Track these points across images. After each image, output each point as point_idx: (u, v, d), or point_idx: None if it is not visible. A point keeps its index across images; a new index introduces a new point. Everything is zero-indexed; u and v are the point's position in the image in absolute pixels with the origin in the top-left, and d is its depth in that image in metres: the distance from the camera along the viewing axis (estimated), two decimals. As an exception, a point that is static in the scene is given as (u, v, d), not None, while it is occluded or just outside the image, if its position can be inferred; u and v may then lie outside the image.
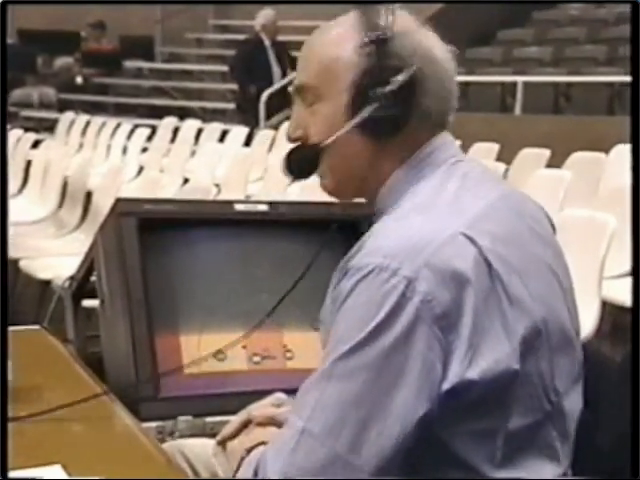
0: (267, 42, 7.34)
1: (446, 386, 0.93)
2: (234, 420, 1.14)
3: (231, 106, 9.03)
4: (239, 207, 1.50)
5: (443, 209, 1.01)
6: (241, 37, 10.04)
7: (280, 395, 1.19)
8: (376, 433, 0.92)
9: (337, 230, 1.53)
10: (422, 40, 1.05)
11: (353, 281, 0.96)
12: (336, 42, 1.07)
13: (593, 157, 4.48)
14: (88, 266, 1.56)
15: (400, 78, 1.02)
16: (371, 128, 1.03)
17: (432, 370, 0.92)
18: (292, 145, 1.11)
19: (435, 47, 1.06)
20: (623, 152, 4.55)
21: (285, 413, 1.10)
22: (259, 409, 1.14)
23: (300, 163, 1.09)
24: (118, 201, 1.45)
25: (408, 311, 0.93)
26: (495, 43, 8.00)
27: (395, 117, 1.02)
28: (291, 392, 1.38)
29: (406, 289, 0.93)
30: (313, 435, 0.94)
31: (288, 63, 7.49)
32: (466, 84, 6.26)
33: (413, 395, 0.92)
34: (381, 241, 0.98)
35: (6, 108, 4.67)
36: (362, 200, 1.59)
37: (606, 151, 4.49)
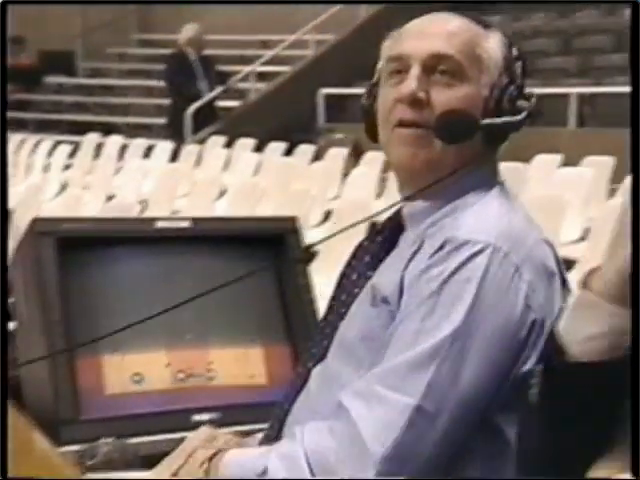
0: (193, 56, 7.31)
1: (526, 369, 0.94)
2: (171, 465, 1.12)
3: (156, 121, 8.95)
4: (160, 224, 1.50)
5: (525, 215, 1.08)
6: (164, 51, 9.98)
7: (206, 429, 1.18)
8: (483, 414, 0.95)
9: (260, 245, 1.54)
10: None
11: (466, 255, 0.98)
12: (489, 39, 1.11)
13: (515, 167, 4.61)
14: (5, 288, 1.52)
15: (528, 102, 1.09)
16: (492, 134, 1.08)
17: (526, 355, 0.94)
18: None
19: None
20: (545, 162, 4.70)
21: (227, 446, 1.09)
22: (197, 450, 1.12)
23: (458, 129, 1.07)
24: (35, 220, 1.43)
25: (519, 296, 0.97)
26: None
27: (508, 132, 1.09)
28: (215, 409, 1.38)
29: (515, 274, 0.98)
30: (428, 414, 0.94)
31: (214, 77, 7.47)
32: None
33: (507, 377, 0.94)
34: (485, 222, 1.02)
35: (6, 109, 4.53)
36: (285, 215, 1.61)
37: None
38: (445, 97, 1.07)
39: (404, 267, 1.04)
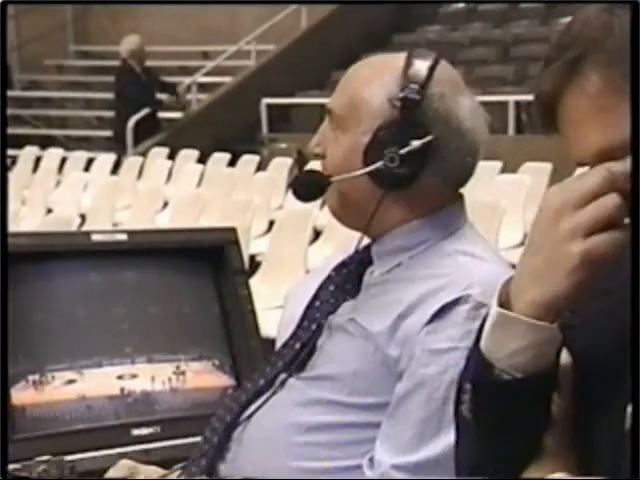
0: (137, 68, 7.26)
1: None
2: None
3: (97, 133, 8.84)
4: (96, 237, 1.48)
5: (507, 265, 1.10)
6: (103, 63, 9.88)
7: (127, 462, 1.19)
8: None
9: (199, 257, 1.54)
10: (453, 109, 1.09)
11: (465, 312, 1.01)
12: (372, 83, 1.11)
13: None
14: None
15: (416, 144, 1.07)
16: (380, 179, 1.08)
17: None
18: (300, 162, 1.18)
19: (466, 119, 1.09)
20: (486, 168, 4.79)
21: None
22: None
23: (309, 188, 1.14)
24: (-33, 236, 1.40)
25: None
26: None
27: (405, 175, 1.08)
28: (155, 423, 1.37)
29: None
30: None
31: (157, 88, 7.43)
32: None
33: None
34: (492, 285, 0.97)
35: (6, 110, 4.41)
36: (225, 226, 1.61)
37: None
38: (331, 149, 1.13)
39: (397, 315, 1.05)
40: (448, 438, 0.96)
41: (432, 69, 1.10)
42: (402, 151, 1.07)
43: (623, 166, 0.73)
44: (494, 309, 0.78)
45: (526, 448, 0.80)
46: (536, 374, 0.77)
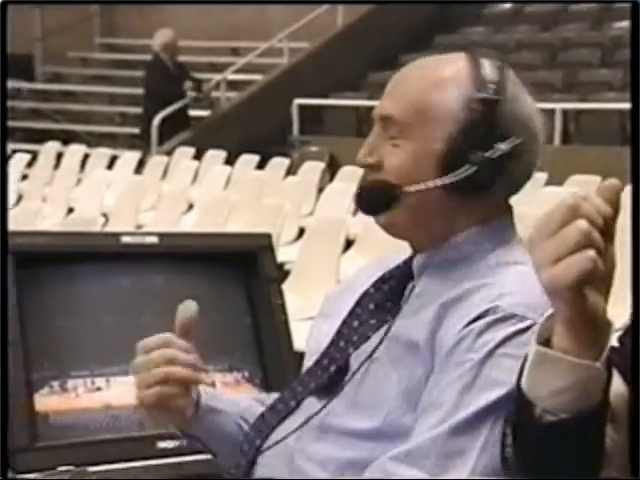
0: (169, 63, 7.33)
1: None
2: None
3: (121, 130, 8.92)
4: (126, 239, 1.49)
5: None
6: (129, 57, 9.98)
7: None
8: None
9: (232, 263, 1.55)
10: (526, 109, 1.08)
11: (512, 329, 1.00)
12: (442, 85, 1.08)
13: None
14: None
15: (503, 147, 1.05)
16: (459, 188, 1.06)
17: None
18: (363, 172, 1.13)
19: (534, 117, 1.09)
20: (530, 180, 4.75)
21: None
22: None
23: (376, 201, 1.10)
24: (-9, 234, 1.42)
25: None
26: (398, 67, 8.24)
27: (485, 181, 1.06)
28: (181, 436, 1.37)
29: None
30: None
31: (189, 85, 7.49)
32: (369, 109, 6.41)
33: None
34: (529, 295, 1.01)
35: (6, 109, 4.50)
36: (259, 232, 1.61)
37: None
38: (393, 158, 1.09)
39: (432, 327, 1.05)
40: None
41: (503, 69, 1.09)
42: (488, 154, 1.05)
43: (586, 193, 0.78)
44: (533, 347, 0.78)
45: None
46: (582, 413, 0.76)
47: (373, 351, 1.10)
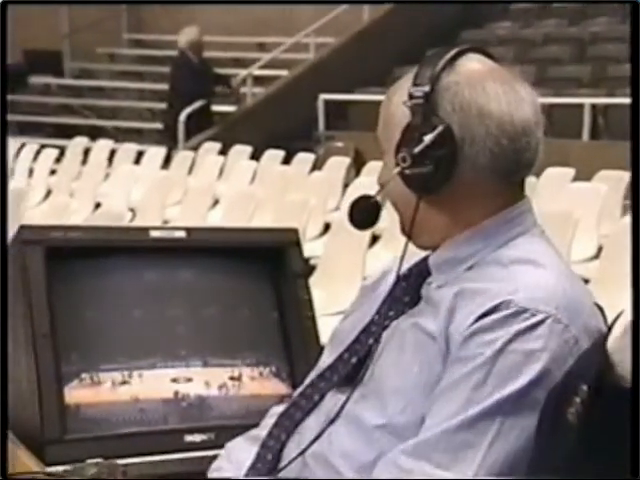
0: (195, 60, 7.37)
1: None
2: None
3: (147, 125, 8.97)
4: (154, 234, 1.50)
5: (574, 276, 1.09)
6: (157, 53, 10.03)
7: None
8: None
9: (259, 258, 1.55)
10: (471, 94, 1.08)
11: (525, 324, 1.00)
12: (392, 94, 1.13)
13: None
14: (5, 289, 1.53)
15: (429, 138, 1.07)
16: (413, 185, 1.09)
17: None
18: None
19: (492, 101, 1.07)
20: (557, 175, 4.72)
21: None
22: None
23: (361, 214, 1.15)
24: (22, 228, 1.43)
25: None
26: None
27: (432, 175, 1.07)
28: (209, 430, 1.38)
29: (574, 347, 0.99)
30: None
31: (212, 80, 7.52)
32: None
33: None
34: (543, 289, 1.03)
35: (6, 109, 4.56)
36: (286, 227, 1.62)
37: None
38: (381, 173, 1.16)
39: (445, 320, 1.05)
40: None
41: (448, 62, 1.09)
42: (416, 149, 1.07)
43: None
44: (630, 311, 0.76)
45: (622, 466, 0.78)
46: None
47: (376, 340, 1.12)
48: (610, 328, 0.76)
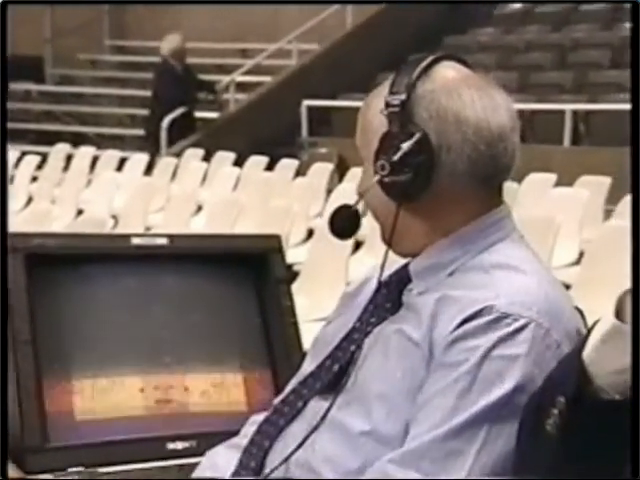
0: (179, 68, 7.36)
1: None
2: None
3: (130, 132, 8.95)
4: (136, 241, 1.50)
5: (555, 281, 1.10)
6: (139, 59, 10.01)
7: None
8: None
9: (241, 264, 1.55)
10: (447, 102, 1.08)
11: (507, 330, 1.01)
12: (371, 104, 1.14)
13: (506, 186, 4.65)
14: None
15: (406, 145, 1.07)
16: (392, 192, 1.10)
17: None
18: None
19: (468, 107, 1.08)
20: (539, 181, 4.75)
21: None
22: None
23: (342, 223, 1.16)
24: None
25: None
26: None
27: (410, 182, 1.08)
28: (191, 437, 1.38)
29: (556, 351, 1.00)
30: None
31: (195, 87, 7.52)
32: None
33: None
34: (524, 294, 1.03)
35: (6, 109, 4.53)
36: (269, 233, 1.62)
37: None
38: (360, 181, 1.16)
39: (428, 326, 1.06)
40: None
41: (424, 70, 1.10)
42: (395, 157, 1.08)
43: None
44: (608, 318, 0.77)
45: (602, 473, 0.79)
46: (635, 399, 0.75)
47: (359, 346, 1.12)
48: (586, 337, 0.77)
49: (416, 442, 1.01)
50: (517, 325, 1.01)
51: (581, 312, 1.10)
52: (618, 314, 0.77)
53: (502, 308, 1.02)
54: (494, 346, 1.00)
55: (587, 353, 0.77)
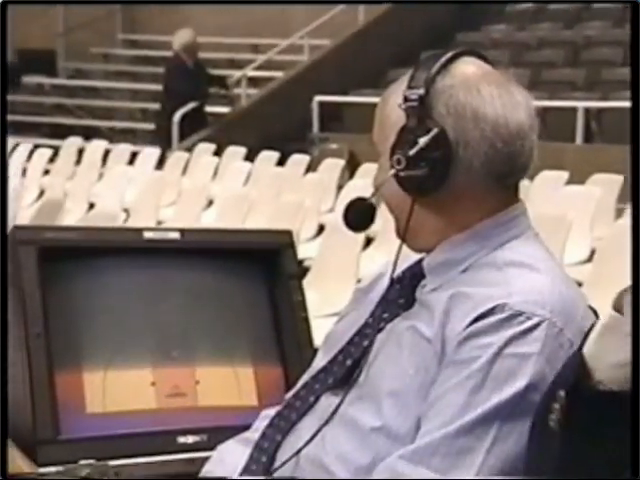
0: (190, 63, 7.36)
1: None
2: None
3: (142, 126, 8.96)
4: (148, 235, 1.50)
5: (569, 279, 1.09)
6: (151, 53, 10.03)
7: None
8: None
9: (253, 260, 1.55)
10: (466, 97, 1.08)
11: (521, 328, 1.00)
12: (389, 98, 1.13)
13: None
14: (5, 289, 1.52)
15: (423, 140, 1.07)
16: (408, 187, 1.10)
17: None
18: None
19: (487, 104, 1.07)
20: (551, 178, 4.73)
21: None
22: None
23: (356, 216, 1.15)
24: (16, 229, 1.43)
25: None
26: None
27: (426, 177, 1.08)
28: (202, 431, 1.38)
29: (569, 350, 0.99)
30: None
31: (206, 82, 7.52)
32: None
33: None
34: (538, 293, 1.03)
35: (6, 109, 4.56)
36: (280, 229, 1.62)
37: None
38: (376, 175, 1.16)
39: (441, 322, 1.06)
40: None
41: (443, 65, 1.10)
42: (411, 152, 1.07)
43: None
44: (608, 312, 0.77)
45: (608, 469, 0.79)
46: (634, 392, 0.76)
47: (371, 342, 1.12)
48: (587, 333, 0.77)
49: (427, 439, 1.01)
50: (530, 323, 1.01)
51: (595, 311, 1.09)
52: (617, 310, 0.77)
53: (515, 306, 1.02)
54: (506, 344, 1.00)
55: (587, 347, 0.77)
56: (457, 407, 1.00)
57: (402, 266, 1.18)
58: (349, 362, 1.15)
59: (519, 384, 0.98)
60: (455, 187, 1.08)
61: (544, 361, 0.99)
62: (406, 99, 1.09)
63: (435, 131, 1.07)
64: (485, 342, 1.01)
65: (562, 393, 0.77)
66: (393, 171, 1.09)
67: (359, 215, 1.15)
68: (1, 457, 1.00)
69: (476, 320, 1.02)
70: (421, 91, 1.08)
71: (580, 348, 0.78)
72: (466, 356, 1.02)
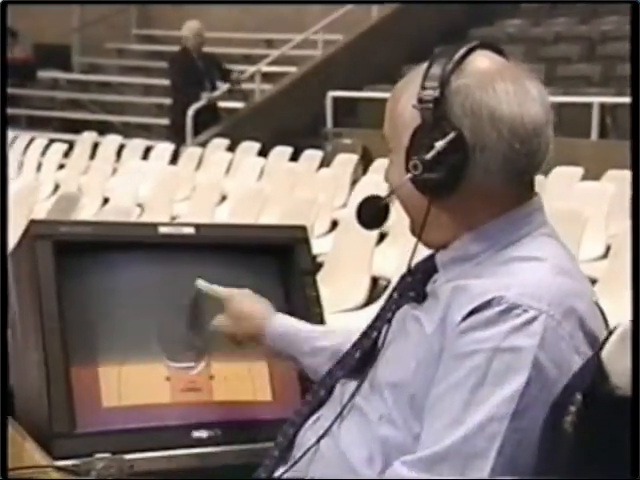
0: (194, 55, 7.35)
1: None
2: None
3: (156, 121, 8.98)
4: (163, 230, 1.50)
5: (578, 274, 1.09)
6: (165, 48, 10.04)
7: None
8: None
9: (267, 255, 1.55)
10: (482, 97, 1.06)
11: (518, 321, 1.00)
12: (402, 95, 1.12)
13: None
14: (5, 289, 1.53)
15: (440, 144, 1.06)
16: (425, 190, 1.09)
17: None
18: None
19: (503, 102, 1.06)
20: (565, 174, 4.71)
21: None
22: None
23: (369, 214, 1.15)
24: (32, 223, 1.44)
25: (573, 368, 0.97)
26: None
27: (443, 179, 1.07)
28: (216, 426, 1.39)
29: (569, 342, 1.00)
30: None
31: (219, 76, 7.50)
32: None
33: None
34: (536, 286, 1.03)
35: (6, 108, 4.59)
36: (295, 224, 1.62)
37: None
38: (387, 173, 1.16)
39: (442, 315, 1.06)
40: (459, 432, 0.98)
41: (457, 62, 1.08)
42: (428, 156, 1.06)
43: None
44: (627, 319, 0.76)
45: (618, 474, 0.79)
46: None
47: (379, 333, 1.15)
48: (607, 337, 0.76)
49: (433, 444, 1.00)
50: (527, 316, 1.00)
51: (602, 310, 1.08)
52: None
53: (512, 299, 1.01)
54: (505, 338, 0.99)
55: (605, 351, 0.76)
56: (460, 407, 0.99)
57: (416, 260, 1.19)
58: (358, 354, 1.18)
59: (520, 379, 0.98)
60: (471, 188, 1.08)
61: (544, 355, 0.98)
62: (420, 100, 1.07)
63: (452, 135, 1.06)
64: (483, 336, 1.00)
65: (579, 396, 0.76)
66: (410, 175, 1.08)
67: (372, 213, 1.15)
68: (1, 457, 1.00)
69: (472, 312, 1.02)
70: (436, 93, 1.06)
71: (598, 350, 0.77)
72: (465, 350, 1.01)
